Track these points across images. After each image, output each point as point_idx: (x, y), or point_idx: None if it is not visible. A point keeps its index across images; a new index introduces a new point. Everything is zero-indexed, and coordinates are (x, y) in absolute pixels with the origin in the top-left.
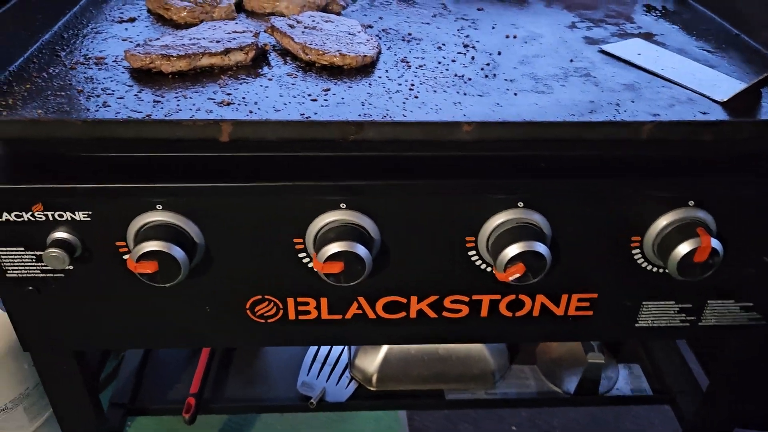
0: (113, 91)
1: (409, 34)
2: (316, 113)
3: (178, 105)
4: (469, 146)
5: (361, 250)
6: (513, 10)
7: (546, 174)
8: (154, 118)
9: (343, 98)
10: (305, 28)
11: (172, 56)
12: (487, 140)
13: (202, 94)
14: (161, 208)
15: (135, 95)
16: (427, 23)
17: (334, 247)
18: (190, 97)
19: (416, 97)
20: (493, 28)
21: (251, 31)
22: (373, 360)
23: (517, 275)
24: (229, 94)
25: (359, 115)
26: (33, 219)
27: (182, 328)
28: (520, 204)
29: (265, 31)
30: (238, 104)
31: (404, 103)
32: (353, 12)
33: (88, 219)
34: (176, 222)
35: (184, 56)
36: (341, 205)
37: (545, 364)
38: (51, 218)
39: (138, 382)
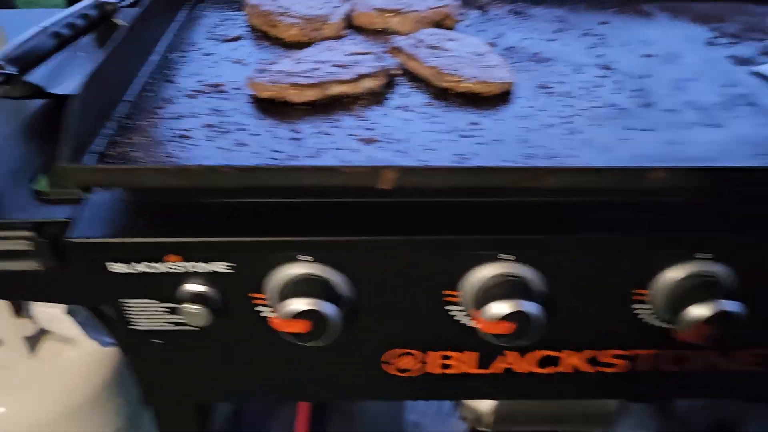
0: (244, 126)
1: (537, 54)
2: (476, 153)
3: (319, 143)
4: (647, 193)
5: (532, 307)
6: (638, 23)
7: (729, 223)
8: (313, 165)
9: (498, 134)
10: (428, 47)
11: (301, 85)
12: (679, 187)
13: (341, 129)
14: (310, 260)
15: (269, 131)
16: (552, 40)
17: (504, 307)
18: (330, 133)
19: (577, 132)
20: (625, 45)
21: (373, 53)
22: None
23: (706, 337)
24: (369, 129)
25: (524, 156)
26: (166, 271)
27: (314, 381)
28: (700, 255)
29: (386, 52)
30: (384, 141)
31: (566, 139)
32: (467, 27)
33: (227, 271)
34: (325, 275)
35: (315, 85)
36: (502, 256)
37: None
38: (186, 270)
39: (238, 421)
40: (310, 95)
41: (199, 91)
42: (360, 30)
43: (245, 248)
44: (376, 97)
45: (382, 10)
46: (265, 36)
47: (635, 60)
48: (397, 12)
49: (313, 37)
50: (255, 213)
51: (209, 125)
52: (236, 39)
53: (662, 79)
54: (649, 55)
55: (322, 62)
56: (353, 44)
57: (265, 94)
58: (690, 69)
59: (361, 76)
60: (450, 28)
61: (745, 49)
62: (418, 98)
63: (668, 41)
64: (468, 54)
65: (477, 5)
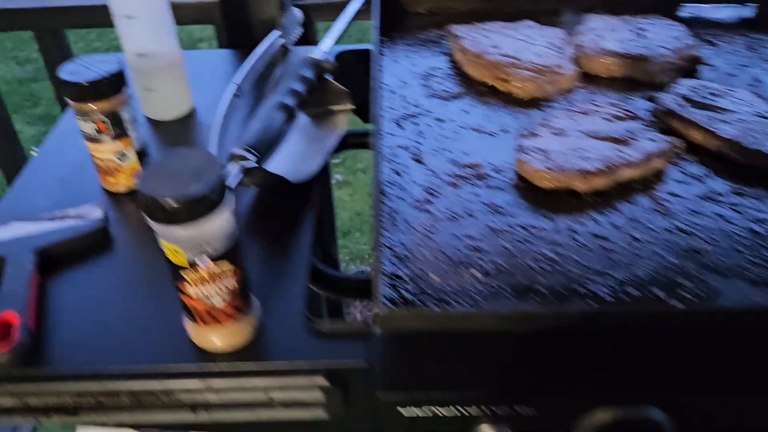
0: (535, 229)
1: None
2: None
3: (636, 255)
4: None
5: None
6: None
7: None
8: (697, 308)
9: None
10: (698, 107)
11: (589, 172)
12: None
13: (652, 232)
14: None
15: (570, 236)
16: None
17: None
18: (642, 240)
19: None
20: None
21: (639, 117)
22: None
23: None
24: (687, 233)
25: None
26: (460, 414)
27: None
28: None
29: (653, 114)
30: (717, 252)
31: None
32: (712, 72)
33: (530, 414)
34: (649, 416)
35: (603, 172)
36: None
37: None
38: (483, 413)
39: None
40: (598, 184)
41: (458, 177)
42: (590, 77)
43: (555, 396)
44: (659, 177)
45: (623, 56)
46: (488, 89)
47: None
48: (641, 58)
49: (547, 91)
50: (557, 346)
51: (495, 230)
52: (458, 96)
53: None
54: None
55: (591, 135)
56: (608, 105)
57: (547, 185)
58: None
59: (650, 157)
60: (693, 72)
61: None
62: (717, 182)
63: None
64: (753, 116)
65: (704, 39)
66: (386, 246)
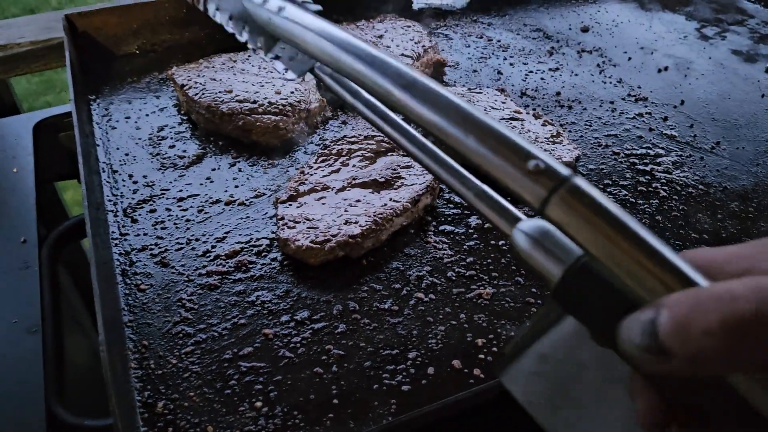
0: (315, 321)
1: (560, 96)
2: None
3: (427, 321)
4: None
5: None
6: (605, 16)
7: None
8: None
9: None
10: None
11: (360, 236)
12: None
13: (438, 290)
14: None
15: (353, 320)
16: (555, 69)
17: None
18: (431, 301)
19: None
20: (631, 59)
21: (389, 150)
22: None
23: None
24: (477, 280)
25: None
26: None
27: None
28: None
29: None
30: (495, 287)
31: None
32: (454, 71)
33: None
34: None
35: (374, 230)
36: None
37: None
38: None
39: None
40: (371, 243)
41: (215, 273)
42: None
43: None
44: (432, 212)
45: None
46: (230, 141)
47: (656, 81)
48: None
49: (296, 131)
50: None
51: (270, 337)
52: (198, 159)
53: (698, 106)
54: (665, 69)
55: (353, 184)
56: (363, 140)
57: (320, 260)
58: (710, 80)
59: (417, 198)
60: (440, 76)
61: (738, 39)
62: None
63: (661, 42)
64: (507, 123)
65: (440, 33)
66: (139, 404)
